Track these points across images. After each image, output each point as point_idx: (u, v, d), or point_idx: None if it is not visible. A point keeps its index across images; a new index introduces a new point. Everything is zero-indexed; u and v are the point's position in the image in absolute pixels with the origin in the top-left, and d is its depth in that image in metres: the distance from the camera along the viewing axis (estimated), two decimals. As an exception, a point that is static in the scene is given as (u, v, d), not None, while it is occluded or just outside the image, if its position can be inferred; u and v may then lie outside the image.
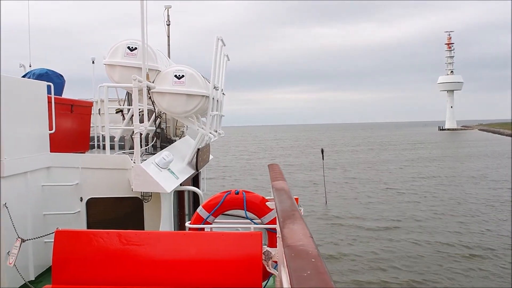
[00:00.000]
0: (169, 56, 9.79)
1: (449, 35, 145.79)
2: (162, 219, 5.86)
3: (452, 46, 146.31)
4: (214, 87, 6.90)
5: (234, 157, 58.77)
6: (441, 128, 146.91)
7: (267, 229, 5.12)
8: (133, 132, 5.79)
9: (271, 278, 5.17)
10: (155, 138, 8.06)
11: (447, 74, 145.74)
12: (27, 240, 5.25)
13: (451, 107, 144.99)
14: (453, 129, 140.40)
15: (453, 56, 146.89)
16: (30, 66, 9.13)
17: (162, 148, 7.80)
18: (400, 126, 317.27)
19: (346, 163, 47.06)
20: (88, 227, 6.09)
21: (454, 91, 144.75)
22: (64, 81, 7.84)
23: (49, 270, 5.64)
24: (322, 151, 20.72)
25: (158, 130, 8.15)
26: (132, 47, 6.87)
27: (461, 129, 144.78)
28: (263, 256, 4.28)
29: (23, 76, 7.46)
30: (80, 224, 6.08)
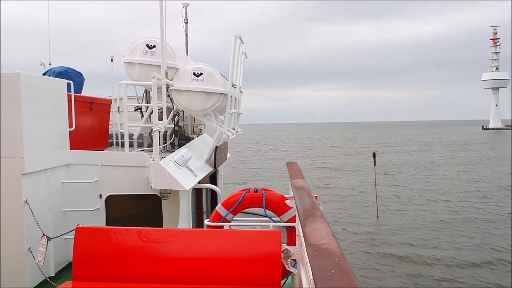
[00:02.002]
0: (187, 54, 10.15)
1: (494, 29, 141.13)
2: (180, 217, 6.09)
3: (498, 41, 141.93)
4: (232, 85, 7.10)
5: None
6: (485, 127, 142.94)
7: (286, 227, 5.29)
8: (152, 129, 6.06)
9: (290, 277, 5.34)
10: (173, 136, 8.40)
11: (492, 71, 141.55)
12: (53, 238, 5.53)
13: (496, 105, 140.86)
14: (497, 129, 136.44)
15: (498, 52, 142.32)
16: (50, 64, 9.54)
17: (180, 145, 8.09)
18: (438, 125, 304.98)
19: (392, 165, 44.94)
20: (107, 224, 6.37)
21: (499, 88, 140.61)
22: (84, 79, 8.21)
23: (69, 266, 5.93)
24: (374, 155, 19.13)
25: (176, 128, 8.42)
26: (151, 45, 7.16)
27: (506, 129, 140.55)
28: (282, 254, 4.49)
29: (43, 74, 7.87)
30: (99, 221, 6.38)
